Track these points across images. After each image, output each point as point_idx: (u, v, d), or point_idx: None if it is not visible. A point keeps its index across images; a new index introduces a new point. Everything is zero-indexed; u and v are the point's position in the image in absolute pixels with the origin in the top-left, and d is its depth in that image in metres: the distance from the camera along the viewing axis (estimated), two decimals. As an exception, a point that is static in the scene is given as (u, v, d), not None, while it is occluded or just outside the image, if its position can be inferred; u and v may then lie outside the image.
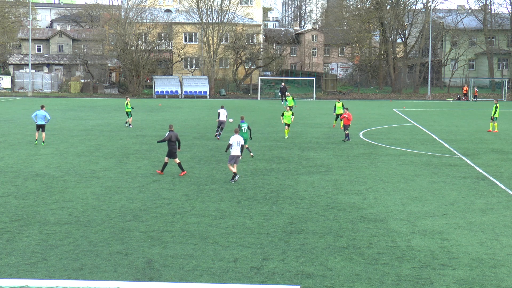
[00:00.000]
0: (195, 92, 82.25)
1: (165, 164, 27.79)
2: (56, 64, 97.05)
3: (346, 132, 38.96)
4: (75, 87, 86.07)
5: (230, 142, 26.41)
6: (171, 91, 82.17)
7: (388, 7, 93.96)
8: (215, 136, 40.11)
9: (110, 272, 15.41)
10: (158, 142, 29.06)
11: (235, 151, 26.27)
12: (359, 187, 25.45)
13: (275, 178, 27.07)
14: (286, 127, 39.72)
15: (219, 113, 40.82)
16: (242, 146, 26.69)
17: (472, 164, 31.02)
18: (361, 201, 23.11)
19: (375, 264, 16.17)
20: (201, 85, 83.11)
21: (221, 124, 40.26)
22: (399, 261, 16.44)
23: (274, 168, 29.54)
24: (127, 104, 45.87)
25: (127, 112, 45.82)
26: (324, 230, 19.15)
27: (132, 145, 36.46)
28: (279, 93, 73.59)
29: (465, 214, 21.40)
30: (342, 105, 45.55)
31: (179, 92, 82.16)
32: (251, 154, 32.48)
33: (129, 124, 45.51)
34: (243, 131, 31.77)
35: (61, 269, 15.58)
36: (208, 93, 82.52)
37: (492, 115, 44.32)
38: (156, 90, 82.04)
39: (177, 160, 27.61)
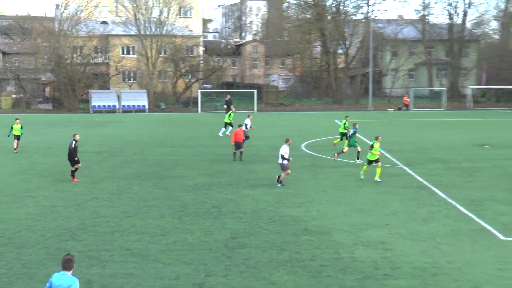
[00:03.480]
0: (134, 106, 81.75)
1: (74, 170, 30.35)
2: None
3: (241, 150, 36.45)
4: (6, 103, 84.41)
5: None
6: (109, 106, 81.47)
7: (329, 17, 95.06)
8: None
9: (47, 294, 15.22)
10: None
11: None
12: (302, 200, 25.66)
13: (216, 193, 27.09)
14: (368, 165, 30.50)
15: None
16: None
17: (414, 174, 31.61)
18: (304, 213, 23.30)
19: (318, 277, 16.35)
20: (140, 99, 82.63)
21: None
22: (342, 273, 16.67)
23: (216, 182, 29.56)
24: (12, 127, 40.37)
25: (17, 135, 40.13)
26: (267, 244, 19.26)
27: (68, 163, 35.97)
28: (225, 106, 73.48)
29: (407, 223, 21.81)
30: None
31: (117, 107, 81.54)
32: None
33: (14, 149, 39.92)
34: None
35: (-6, 294, 15.32)
36: (147, 107, 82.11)
37: None
38: (92, 104, 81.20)
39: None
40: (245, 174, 31.91)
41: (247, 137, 42.08)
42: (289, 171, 28.79)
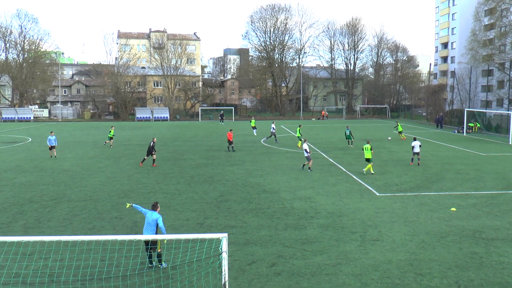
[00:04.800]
0: (161, 117, 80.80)
1: (145, 159, 28.54)
2: (75, 101, 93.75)
3: (232, 145, 34.57)
4: (87, 115, 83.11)
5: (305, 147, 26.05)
6: (146, 117, 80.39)
7: (276, 65, 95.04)
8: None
9: (111, 229, 15.06)
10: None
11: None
12: (262, 173, 25.64)
13: (211, 169, 26.96)
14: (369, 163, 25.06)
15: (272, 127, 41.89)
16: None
17: (327, 157, 31.76)
18: (263, 181, 23.30)
19: (272, 218, 16.37)
20: (164, 113, 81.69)
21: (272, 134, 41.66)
22: (286, 215, 16.71)
23: (210, 162, 29.42)
24: (110, 131, 38.13)
25: (111, 136, 37.71)
26: (241, 199, 19.24)
27: (122, 151, 35.53)
28: (219, 117, 72.53)
29: (324, 186, 21.93)
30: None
31: (151, 117, 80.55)
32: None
33: (110, 145, 37.80)
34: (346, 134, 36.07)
35: (81, 229, 15.11)
36: (168, 117, 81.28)
37: (399, 130, 43.96)
38: (137, 116, 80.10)
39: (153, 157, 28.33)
40: (227, 157, 31.79)
41: (274, 135, 41.53)
42: (312, 160, 26.11)
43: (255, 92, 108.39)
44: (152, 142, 28.40)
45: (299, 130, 39.34)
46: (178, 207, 17.97)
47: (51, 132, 32.93)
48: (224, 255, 8.00)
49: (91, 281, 10.71)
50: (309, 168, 26.11)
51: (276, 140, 41.73)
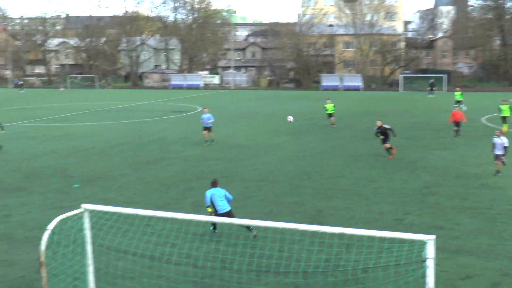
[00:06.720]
0: (352, 85, 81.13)
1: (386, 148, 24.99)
2: (250, 66, 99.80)
3: (456, 128, 31.27)
4: (264, 83, 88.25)
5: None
6: (334, 85, 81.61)
7: (508, 17, 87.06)
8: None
9: (289, 216, 15.72)
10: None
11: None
12: (481, 161, 23.94)
13: (412, 152, 26.18)
14: None
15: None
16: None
17: None
18: (482, 172, 21.78)
19: (495, 222, 15.22)
20: (356, 81, 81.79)
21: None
22: (516, 220, 15.37)
23: (412, 144, 28.58)
24: (325, 106, 35.90)
25: (330, 113, 35.40)
26: (452, 194, 18.31)
27: (304, 125, 36.68)
28: (429, 87, 69.58)
29: None
30: None
31: (339, 86, 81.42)
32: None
33: (332, 124, 35.47)
34: None
35: (256, 212, 16.10)
36: (361, 86, 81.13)
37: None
38: (322, 84, 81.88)
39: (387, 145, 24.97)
40: (435, 139, 30.48)
41: None
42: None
43: (475, 55, 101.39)
44: (377, 128, 25.26)
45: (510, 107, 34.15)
46: (371, 196, 17.91)
47: (205, 108, 30.93)
48: (429, 263, 7.69)
49: (267, 274, 11.37)
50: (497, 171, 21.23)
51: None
